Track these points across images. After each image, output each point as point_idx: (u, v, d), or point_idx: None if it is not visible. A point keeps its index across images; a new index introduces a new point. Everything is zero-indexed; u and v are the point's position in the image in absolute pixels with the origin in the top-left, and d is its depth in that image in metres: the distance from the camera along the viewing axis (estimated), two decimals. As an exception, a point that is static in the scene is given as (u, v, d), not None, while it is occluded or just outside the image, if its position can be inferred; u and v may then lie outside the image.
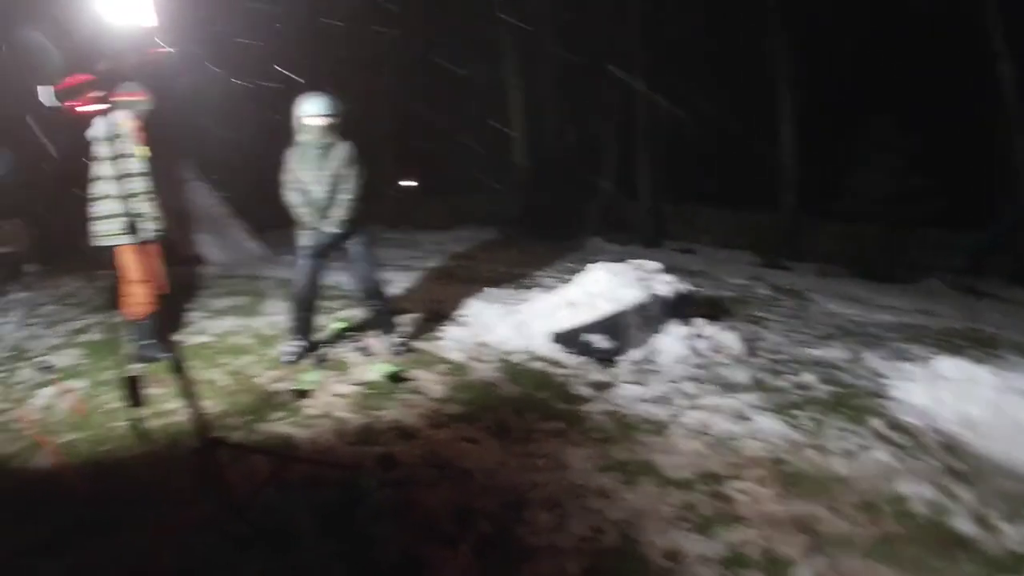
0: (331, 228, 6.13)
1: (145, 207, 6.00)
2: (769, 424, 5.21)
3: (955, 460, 4.99)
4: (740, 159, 20.52)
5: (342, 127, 6.12)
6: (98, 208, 5.99)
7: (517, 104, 21.96)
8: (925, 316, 10.95)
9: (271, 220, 11.23)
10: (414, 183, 23.96)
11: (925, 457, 4.97)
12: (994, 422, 5.63)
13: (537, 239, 17.53)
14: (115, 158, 5.89)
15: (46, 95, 4.54)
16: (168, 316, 6.43)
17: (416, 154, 22.45)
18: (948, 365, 6.71)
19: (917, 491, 4.41)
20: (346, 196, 6.10)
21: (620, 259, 7.77)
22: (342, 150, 6.10)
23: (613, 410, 5.34)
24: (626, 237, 19.15)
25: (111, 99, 4.06)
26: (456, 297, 8.69)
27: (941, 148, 16.73)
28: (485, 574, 3.38)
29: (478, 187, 22.78)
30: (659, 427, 5.05)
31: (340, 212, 6.11)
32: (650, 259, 7.98)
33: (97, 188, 6.01)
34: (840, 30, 18.66)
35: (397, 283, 9.71)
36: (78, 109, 5.12)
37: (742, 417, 5.31)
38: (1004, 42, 16.11)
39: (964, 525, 4.10)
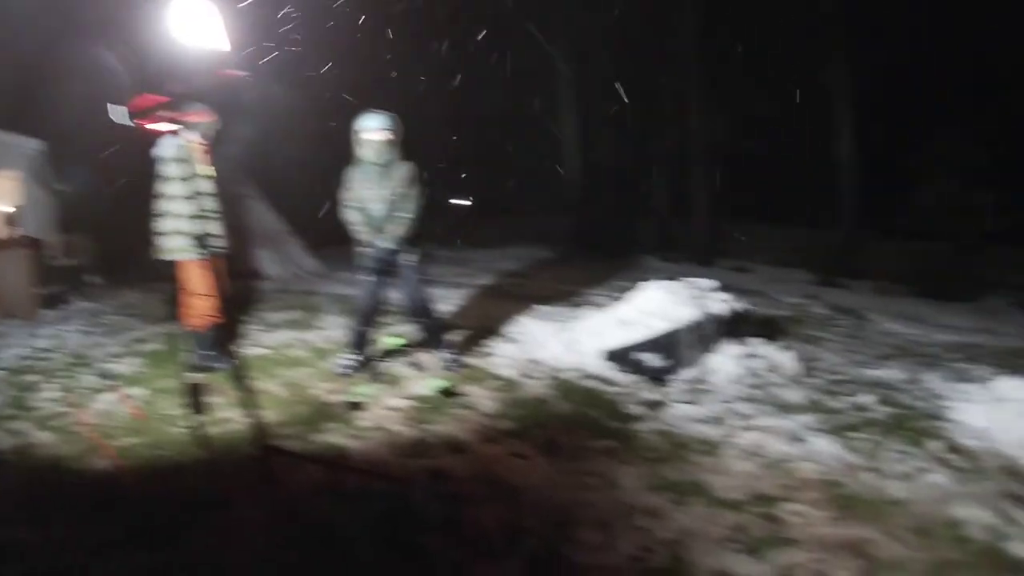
0: (387, 244, 6.19)
1: (209, 225, 6.17)
2: (824, 446, 5.14)
3: (1016, 484, 4.87)
4: (797, 176, 20.33)
5: (401, 145, 6.20)
6: (163, 224, 6.15)
7: (570, 121, 21.97)
8: (987, 336, 10.74)
9: (327, 237, 11.40)
10: (466, 201, 24.06)
11: (984, 481, 4.86)
12: (1058, 445, 5.51)
13: (589, 257, 17.53)
14: (181, 177, 6.05)
15: (117, 113, 4.67)
16: (227, 329, 6.55)
17: (468, 172, 22.52)
18: (1010, 386, 6.56)
19: (975, 515, 4.32)
20: (404, 215, 6.16)
21: (673, 277, 7.74)
22: (402, 169, 6.17)
23: (665, 429, 5.32)
24: (680, 255, 19.07)
25: (180, 120, 4.17)
26: (507, 314, 8.71)
27: (1011, 162, 16.41)
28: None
29: (530, 206, 22.85)
30: (711, 447, 5.02)
31: (397, 229, 6.17)
32: (704, 277, 7.94)
33: (162, 205, 6.17)
34: (903, 42, 18.40)
35: (448, 300, 9.78)
36: (148, 128, 5.27)
37: (797, 438, 5.25)
38: None
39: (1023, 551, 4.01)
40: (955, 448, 5.40)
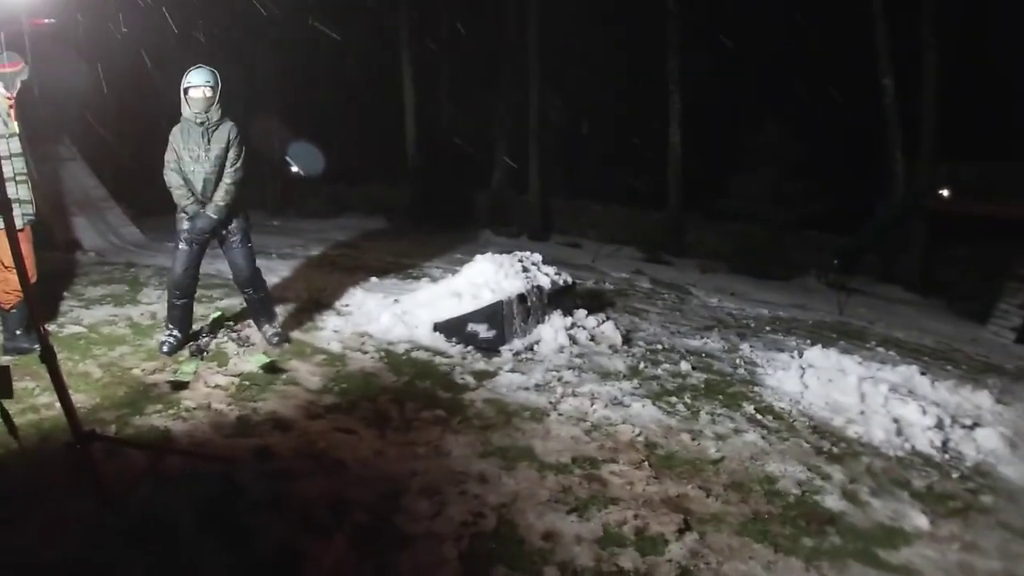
0: (210, 213, 5.89)
1: (17, 189, 5.70)
2: (643, 410, 5.38)
3: (824, 442, 5.24)
4: (631, 158, 21.00)
5: (226, 104, 5.88)
6: None
7: (410, 93, 21.82)
8: (799, 310, 11.44)
9: (152, 205, 10.82)
10: (301, 169, 23.32)
11: (795, 439, 5.20)
12: (860, 406, 5.94)
13: (425, 229, 17.49)
14: None
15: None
16: (40, 305, 6.15)
17: (306, 140, 21.81)
18: (818, 355, 7.06)
19: (788, 471, 4.63)
20: (228, 180, 5.88)
21: (506, 251, 7.84)
22: (226, 130, 5.86)
23: (494, 398, 5.39)
24: (515, 230, 19.32)
25: None
26: (338, 286, 8.57)
27: (825, 155, 17.69)
28: (362, 563, 3.36)
29: (367, 175, 22.54)
30: (538, 414, 5.13)
31: (220, 196, 5.89)
32: (537, 252, 8.09)
33: None
34: (736, 42, 19.46)
35: (278, 272, 9.51)
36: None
37: (619, 404, 5.47)
38: (889, 60, 17.49)
39: (833, 502, 4.33)
40: (768, 410, 5.76)
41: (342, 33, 20.53)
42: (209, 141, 5.77)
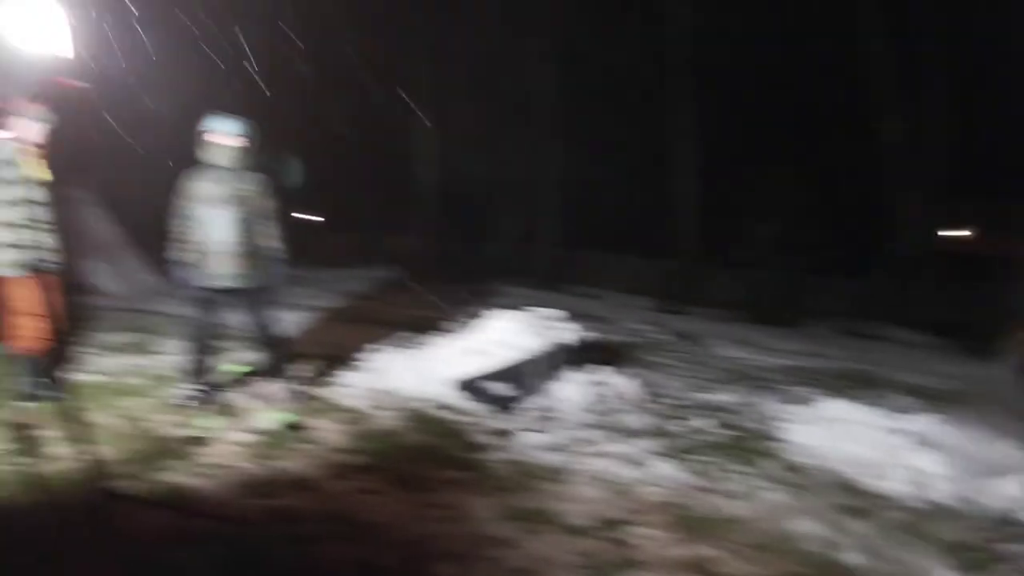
0: (236, 271, 5.76)
1: (42, 236, 5.64)
2: (666, 469, 5.34)
3: (846, 497, 5.20)
4: (643, 209, 21.12)
5: (254, 155, 5.82)
6: None
7: (430, 143, 21.88)
8: (816, 359, 11.36)
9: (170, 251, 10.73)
10: (318, 217, 23.23)
11: (816, 496, 5.16)
12: (883, 460, 5.88)
13: (441, 280, 17.39)
14: (11, 183, 5.56)
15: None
16: (59, 352, 6.10)
17: (322, 187, 21.74)
18: (839, 407, 7.01)
19: (810, 529, 4.59)
20: (273, 227, 5.87)
21: (522, 304, 7.83)
22: (253, 181, 5.76)
23: (514, 458, 5.35)
24: (529, 281, 19.28)
25: (12, 120, 3.89)
26: (357, 340, 8.45)
27: (833, 202, 17.88)
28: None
29: (383, 225, 22.52)
30: (559, 475, 5.09)
31: (276, 243, 5.88)
32: (552, 303, 8.09)
33: None
34: (741, 91, 19.75)
35: (294, 324, 9.46)
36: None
37: (641, 463, 5.42)
38: (892, 109, 17.90)
39: (856, 558, 4.28)
40: (789, 467, 5.72)
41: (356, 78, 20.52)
42: (233, 191, 5.67)
